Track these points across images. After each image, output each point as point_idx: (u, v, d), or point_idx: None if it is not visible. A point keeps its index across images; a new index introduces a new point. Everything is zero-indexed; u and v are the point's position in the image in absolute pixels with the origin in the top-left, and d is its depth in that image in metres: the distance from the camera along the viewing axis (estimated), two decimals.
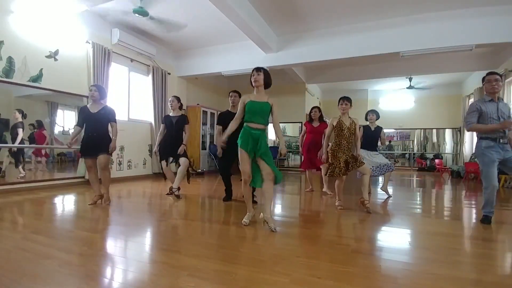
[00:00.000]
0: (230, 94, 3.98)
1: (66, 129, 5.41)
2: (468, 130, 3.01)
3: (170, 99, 4.32)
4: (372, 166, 4.44)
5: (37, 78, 4.63)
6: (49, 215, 3.22)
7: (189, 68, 7.66)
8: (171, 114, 4.33)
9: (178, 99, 4.33)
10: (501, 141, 2.80)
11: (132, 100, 6.57)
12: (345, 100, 3.53)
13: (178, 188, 4.17)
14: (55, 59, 4.90)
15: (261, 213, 2.69)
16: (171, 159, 4.39)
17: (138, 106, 6.76)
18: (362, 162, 3.52)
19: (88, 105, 3.62)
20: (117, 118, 3.70)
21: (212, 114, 8.91)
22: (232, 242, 2.30)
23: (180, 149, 4.13)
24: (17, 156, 4.71)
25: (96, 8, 5.17)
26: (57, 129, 5.20)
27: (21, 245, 2.10)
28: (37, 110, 4.86)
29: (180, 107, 4.37)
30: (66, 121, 5.40)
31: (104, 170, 3.57)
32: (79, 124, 3.54)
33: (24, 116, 4.60)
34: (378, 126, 4.67)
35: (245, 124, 2.72)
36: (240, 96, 3.83)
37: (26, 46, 4.45)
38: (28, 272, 1.64)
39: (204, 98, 8.95)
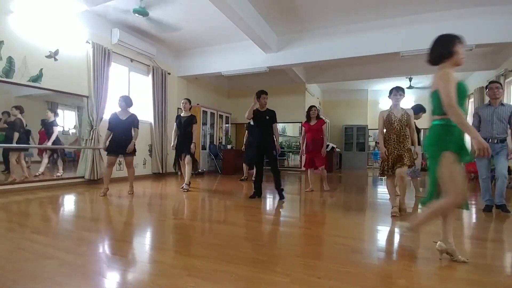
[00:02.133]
0: (262, 96, 4.12)
1: (66, 129, 5.41)
2: None
3: (182, 101, 4.85)
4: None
5: (37, 78, 4.62)
6: (49, 215, 3.22)
7: (189, 68, 7.66)
8: (182, 114, 4.84)
9: (189, 101, 4.87)
10: (490, 141, 3.37)
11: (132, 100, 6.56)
12: (399, 90, 3.27)
13: (188, 184, 4.78)
14: (55, 59, 4.90)
15: (439, 242, 1.90)
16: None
17: (138, 106, 6.75)
18: (406, 163, 3.16)
19: (117, 112, 4.30)
20: None
21: (212, 114, 8.91)
22: (232, 242, 2.30)
23: (192, 148, 4.62)
24: (56, 154, 5.18)
25: (96, 8, 5.16)
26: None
27: (21, 245, 2.10)
28: (37, 110, 4.86)
29: (191, 108, 4.87)
30: (66, 121, 5.40)
31: (129, 168, 4.38)
32: (110, 128, 4.24)
33: (56, 114, 5.02)
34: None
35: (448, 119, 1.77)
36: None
37: (26, 46, 4.45)
38: (28, 272, 1.64)
39: (204, 98, 8.95)
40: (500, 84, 3.45)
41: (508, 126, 3.37)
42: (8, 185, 4.34)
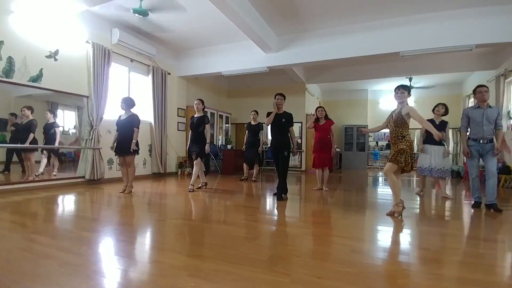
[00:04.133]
0: (276, 97, 4.25)
1: (66, 129, 5.41)
2: (460, 132, 3.88)
3: (195, 102, 4.84)
4: (423, 166, 4.50)
5: (37, 78, 4.62)
6: (49, 215, 3.22)
7: (189, 68, 7.66)
8: (195, 115, 4.86)
9: (202, 101, 4.86)
10: (481, 141, 3.57)
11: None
12: (400, 88, 3.15)
13: (193, 186, 4.75)
14: (55, 59, 4.90)
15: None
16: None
17: (138, 106, 6.74)
18: (391, 159, 3.11)
19: (121, 114, 4.49)
20: (116, 118, 4.17)
21: (212, 114, 8.91)
22: (232, 242, 2.30)
23: (206, 148, 4.67)
24: (57, 155, 5.29)
25: (96, 8, 5.17)
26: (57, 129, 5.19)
27: (21, 245, 2.10)
28: (37, 110, 4.85)
29: (204, 109, 4.89)
30: (66, 121, 5.40)
31: (129, 167, 4.48)
32: (116, 130, 4.45)
33: (55, 116, 5.04)
34: (443, 120, 4.57)
35: None
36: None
37: (26, 46, 4.45)
38: (28, 272, 1.64)
39: (204, 98, 8.87)
40: (487, 87, 3.62)
41: (494, 126, 3.55)
42: (8, 185, 4.35)
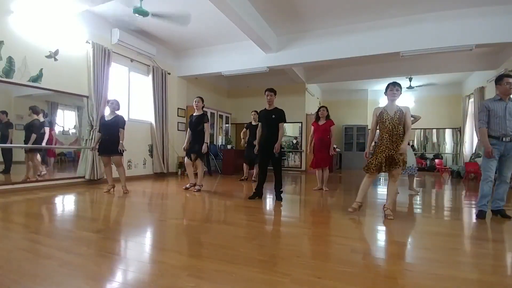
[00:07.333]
0: (266, 93, 4.11)
1: (66, 129, 5.41)
2: (478, 128, 3.27)
3: (194, 100, 4.78)
4: None
5: (37, 78, 4.62)
6: (49, 215, 3.22)
7: (189, 68, 7.66)
8: (194, 114, 4.80)
9: (202, 99, 4.82)
10: (503, 139, 3.06)
11: (132, 100, 6.57)
12: (396, 85, 3.04)
13: (200, 185, 4.78)
14: (55, 59, 4.90)
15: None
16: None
17: (138, 106, 6.76)
18: (400, 164, 3.01)
19: (105, 115, 4.54)
20: None
21: (212, 114, 8.91)
22: (232, 242, 2.29)
23: (203, 148, 4.54)
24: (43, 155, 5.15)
25: (96, 8, 5.17)
26: (57, 129, 5.19)
27: (21, 245, 2.10)
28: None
29: (203, 107, 4.82)
30: (66, 121, 5.40)
31: (118, 167, 4.53)
32: (99, 130, 4.50)
33: (45, 115, 4.93)
34: None
35: None
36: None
37: (26, 46, 4.45)
38: (28, 272, 1.64)
39: (204, 98, 8.88)
40: None
41: None
42: (8, 185, 4.35)
